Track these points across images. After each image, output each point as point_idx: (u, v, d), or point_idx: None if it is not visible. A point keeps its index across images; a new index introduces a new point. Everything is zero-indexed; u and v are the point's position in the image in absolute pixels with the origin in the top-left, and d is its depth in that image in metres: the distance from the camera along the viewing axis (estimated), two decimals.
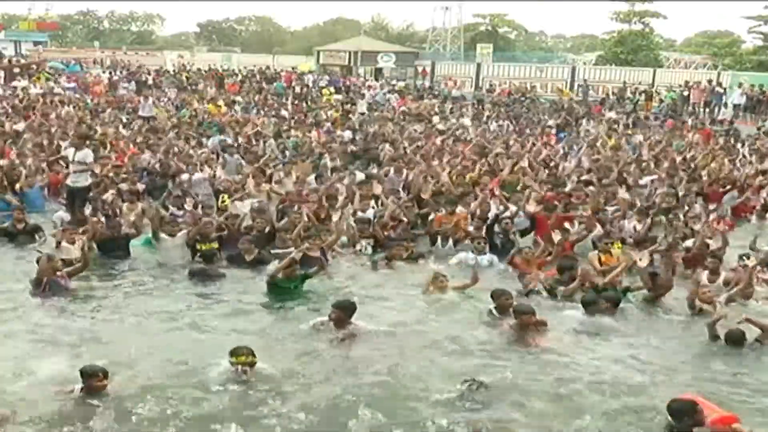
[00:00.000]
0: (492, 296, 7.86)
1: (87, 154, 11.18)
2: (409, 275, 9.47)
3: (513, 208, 11.37)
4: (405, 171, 13.58)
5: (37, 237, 10.34)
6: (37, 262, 8.52)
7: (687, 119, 25.75)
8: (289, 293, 8.52)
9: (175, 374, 6.39)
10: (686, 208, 12.05)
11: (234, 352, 6.19)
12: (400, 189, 12.94)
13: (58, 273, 8.40)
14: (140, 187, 12.58)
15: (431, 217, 11.30)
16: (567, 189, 12.80)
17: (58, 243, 9.48)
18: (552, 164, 15.22)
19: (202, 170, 13.63)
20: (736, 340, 7.15)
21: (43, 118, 18.83)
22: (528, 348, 7.14)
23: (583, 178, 13.81)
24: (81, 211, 10.87)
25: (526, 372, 6.63)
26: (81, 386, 5.77)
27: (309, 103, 28.29)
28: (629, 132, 21.45)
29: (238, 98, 27.53)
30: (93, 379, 5.71)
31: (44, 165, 13.39)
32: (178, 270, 9.43)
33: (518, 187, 12.77)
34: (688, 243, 10.11)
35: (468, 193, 12.17)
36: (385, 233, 10.61)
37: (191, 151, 15.32)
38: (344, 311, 7.30)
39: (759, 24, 50.41)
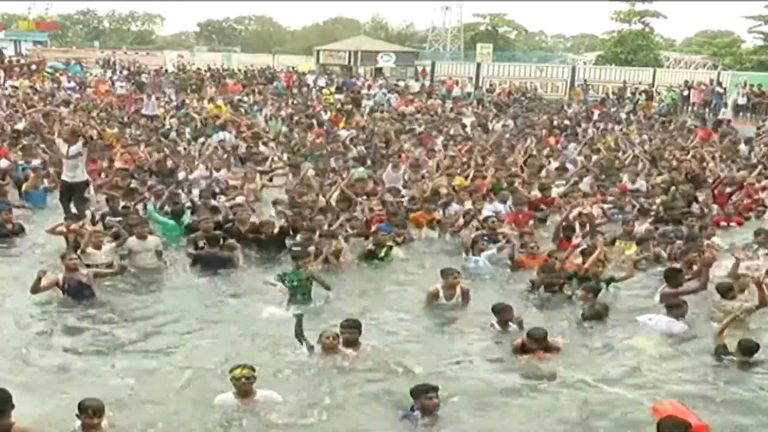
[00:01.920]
0: (493, 310, 7.80)
1: (79, 148, 11.06)
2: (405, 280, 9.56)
3: (499, 207, 11.70)
4: (402, 167, 13.64)
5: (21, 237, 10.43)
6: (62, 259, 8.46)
7: (687, 119, 25.80)
8: (298, 287, 8.45)
9: (171, 403, 6.23)
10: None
11: (232, 369, 6.06)
12: (400, 186, 12.97)
13: (82, 272, 8.25)
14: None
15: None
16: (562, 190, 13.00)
17: (84, 248, 9.13)
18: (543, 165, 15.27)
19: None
20: (747, 349, 6.96)
21: (44, 118, 18.80)
22: (528, 364, 7.03)
23: (586, 179, 13.93)
24: (80, 206, 10.81)
25: (521, 387, 6.64)
26: (80, 423, 5.39)
27: (309, 102, 28.24)
28: (628, 131, 21.41)
29: (244, 98, 27.50)
30: (83, 415, 5.29)
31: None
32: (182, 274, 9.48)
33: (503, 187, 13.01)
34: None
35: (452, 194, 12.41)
36: (371, 227, 10.76)
37: (194, 151, 15.38)
38: (356, 330, 7.08)
39: (759, 24, 50.53)
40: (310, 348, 6.89)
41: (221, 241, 9.76)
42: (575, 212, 11.14)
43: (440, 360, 7.13)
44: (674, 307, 7.92)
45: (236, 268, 9.46)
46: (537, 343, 7.02)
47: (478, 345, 7.53)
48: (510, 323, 7.67)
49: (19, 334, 7.49)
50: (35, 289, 8.04)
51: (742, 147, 18.86)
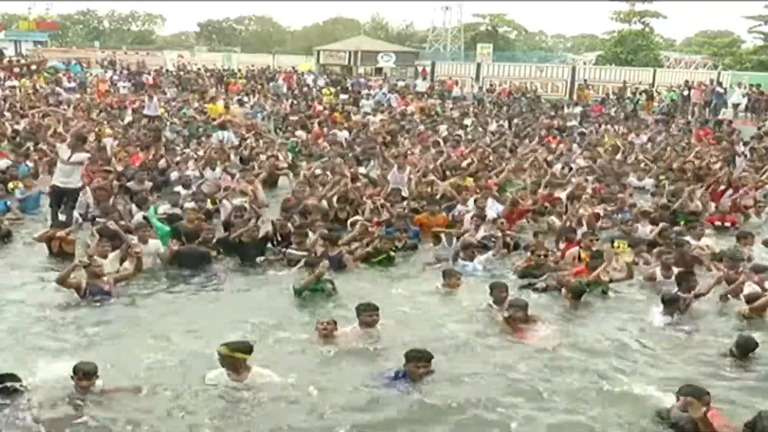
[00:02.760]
0: (490, 288, 8.13)
1: (83, 157, 11.00)
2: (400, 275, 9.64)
3: (500, 207, 11.62)
4: (407, 169, 13.55)
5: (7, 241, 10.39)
6: (86, 267, 8.43)
7: (689, 119, 25.83)
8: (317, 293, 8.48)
9: (167, 376, 6.34)
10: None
11: (221, 345, 6.09)
12: (404, 186, 12.92)
13: (104, 278, 8.31)
14: (148, 185, 12.64)
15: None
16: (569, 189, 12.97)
17: (90, 257, 9.01)
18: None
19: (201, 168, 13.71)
20: (744, 346, 6.94)
21: (44, 119, 18.80)
22: (515, 342, 7.30)
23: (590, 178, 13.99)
24: (70, 212, 10.65)
25: (508, 365, 6.76)
26: (74, 384, 5.73)
27: (309, 102, 28.24)
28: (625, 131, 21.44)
29: (244, 98, 27.51)
30: (75, 377, 5.65)
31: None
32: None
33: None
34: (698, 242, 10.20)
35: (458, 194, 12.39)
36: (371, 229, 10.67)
37: (191, 152, 15.40)
38: (376, 312, 7.30)
39: (759, 24, 50.54)
40: None
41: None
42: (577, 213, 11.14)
43: (433, 339, 7.23)
44: (671, 303, 7.95)
45: (211, 263, 9.57)
46: (520, 311, 7.39)
47: (472, 326, 7.76)
48: (506, 301, 7.85)
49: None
50: (63, 279, 8.13)
51: (742, 148, 18.85)
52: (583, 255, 9.57)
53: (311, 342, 7.11)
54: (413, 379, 6.01)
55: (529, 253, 9.68)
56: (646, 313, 8.17)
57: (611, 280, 8.89)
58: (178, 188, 12.51)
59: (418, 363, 5.99)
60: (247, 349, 6.07)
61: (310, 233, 10.06)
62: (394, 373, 6.05)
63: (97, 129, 17.37)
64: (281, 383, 6.11)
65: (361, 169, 14.09)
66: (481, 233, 10.70)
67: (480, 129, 21.17)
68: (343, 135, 19.04)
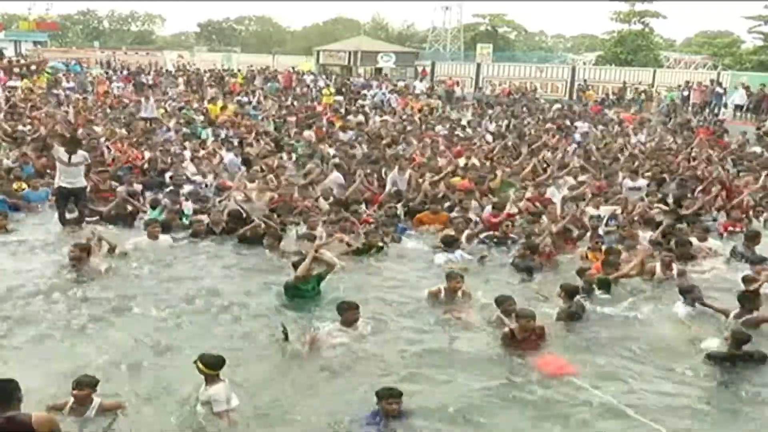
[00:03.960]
0: (496, 302, 7.87)
1: (83, 155, 11.04)
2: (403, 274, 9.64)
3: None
4: (408, 170, 13.53)
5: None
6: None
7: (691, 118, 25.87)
8: (306, 297, 8.43)
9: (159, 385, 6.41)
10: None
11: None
12: (404, 188, 12.91)
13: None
14: (138, 187, 12.62)
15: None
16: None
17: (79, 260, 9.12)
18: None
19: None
20: (739, 340, 6.99)
21: (48, 118, 18.76)
22: (523, 356, 7.14)
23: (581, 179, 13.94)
24: (82, 209, 10.82)
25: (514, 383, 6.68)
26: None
27: (310, 102, 28.24)
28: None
29: (243, 98, 27.50)
30: (73, 390, 5.67)
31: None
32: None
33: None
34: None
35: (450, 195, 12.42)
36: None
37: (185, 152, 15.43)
38: (356, 310, 7.48)
39: (759, 24, 50.53)
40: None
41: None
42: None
43: (427, 358, 7.18)
44: (687, 291, 8.11)
45: None
46: (528, 320, 7.22)
47: (470, 342, 7.59)
48: (513, 314, 7.67)
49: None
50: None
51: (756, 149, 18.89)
52: (590, 255, 9.59)
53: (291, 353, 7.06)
54: (389, 418, 5.82)
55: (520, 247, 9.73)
56: (645, 310, 8.24)
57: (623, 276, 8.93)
58: (171, 187, 12.54)
59: (389, 399, 5.81)
60: (215, 364, 5.94)
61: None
62: (371, 415, 5.87)
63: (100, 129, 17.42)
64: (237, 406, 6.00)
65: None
66: (466, 233, 10.71)
67: (480, 129, 21.16)
68: (345, 136, 19.02)
